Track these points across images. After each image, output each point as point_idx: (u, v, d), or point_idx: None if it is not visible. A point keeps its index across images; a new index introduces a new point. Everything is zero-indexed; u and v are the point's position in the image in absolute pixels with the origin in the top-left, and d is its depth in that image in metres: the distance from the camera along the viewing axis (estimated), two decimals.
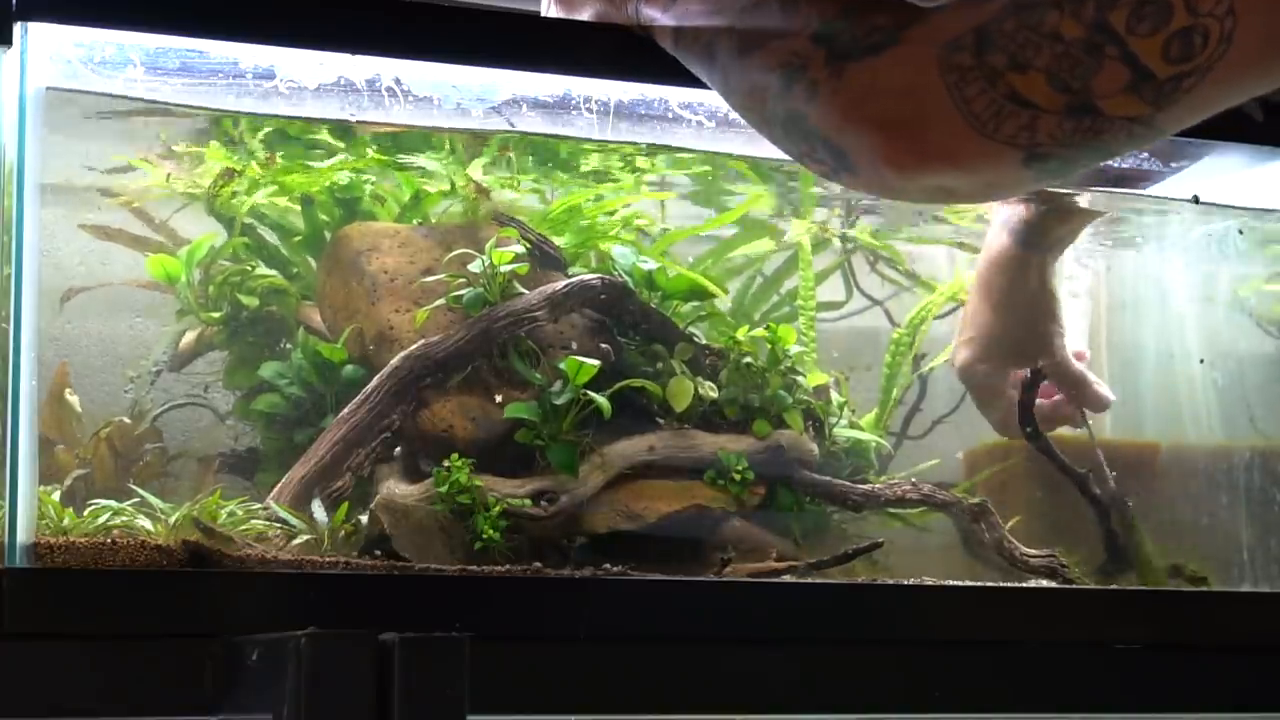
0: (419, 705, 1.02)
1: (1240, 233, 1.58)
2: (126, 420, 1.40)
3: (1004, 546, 1.45)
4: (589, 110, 1.32)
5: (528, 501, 1.33)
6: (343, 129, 1.37)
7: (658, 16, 1.20)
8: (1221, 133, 1.36)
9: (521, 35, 1.26)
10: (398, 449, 1.35)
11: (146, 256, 1.41)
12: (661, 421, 1.40)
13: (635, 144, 1.39)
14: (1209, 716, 1.43)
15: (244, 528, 1.26)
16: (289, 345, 1.43)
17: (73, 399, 1.37)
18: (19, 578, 1.12)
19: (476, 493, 1.30)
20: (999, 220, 1.54)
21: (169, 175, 1.40)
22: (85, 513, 1.24)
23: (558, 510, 1.34)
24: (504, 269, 1.38)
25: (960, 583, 1.39)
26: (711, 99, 1.29)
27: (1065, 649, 1.32)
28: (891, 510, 1.48)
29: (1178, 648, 1.36)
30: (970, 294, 1.55)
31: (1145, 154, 1.42)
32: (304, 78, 1.25)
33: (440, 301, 1.39)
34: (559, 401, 1.35)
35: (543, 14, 1.29)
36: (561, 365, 1.36)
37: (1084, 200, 1.51)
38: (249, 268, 1.43)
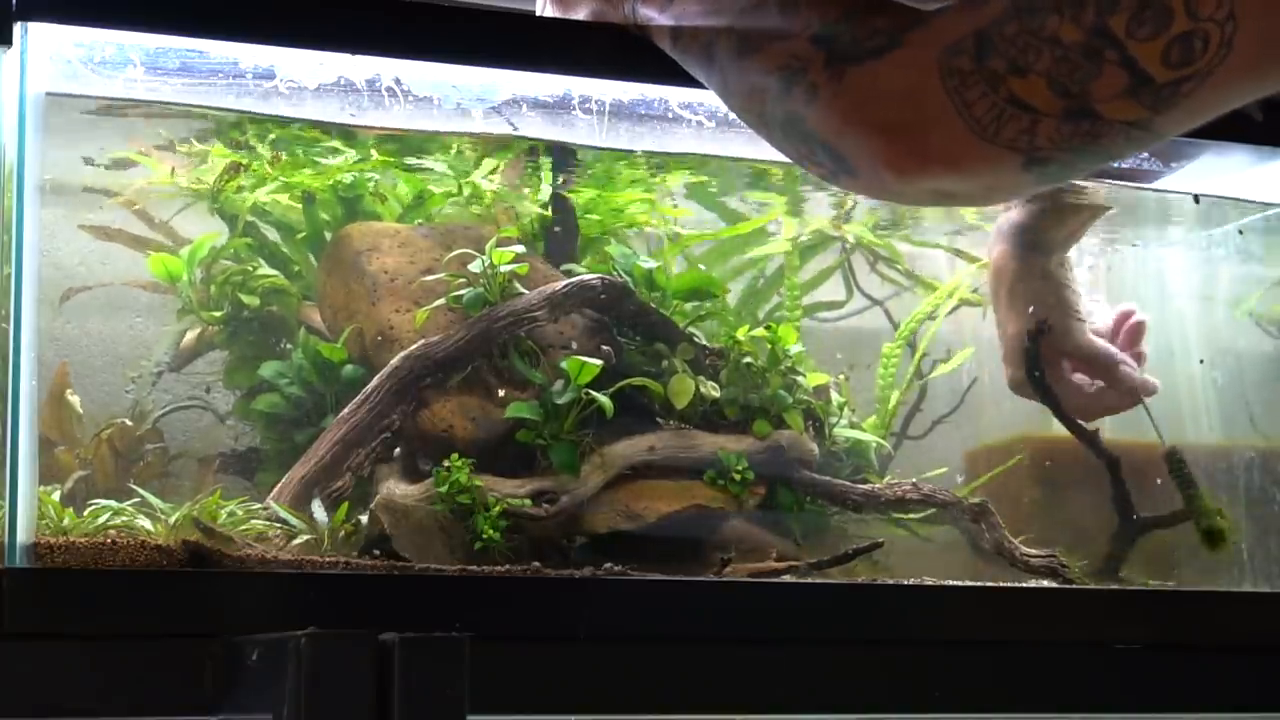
0: (419, 705, 1.02)
1: (1240, 233, 1.58)
2: (128, 421, 1.40)
3: (1004, 546, 1.45)
4: (586, 111, 1.32)
5: (528, 501, 1.33)
6: (344, 132, 1.37)
7: (655, 16, 1.20)
8: (1221, 133, 1.37)
9: (521, 35, 1.26)
10: (398, 449, 1.35)
11: (148, 255, 1.41)
12: (662, 421, 1.40)
13: (632, 151, 1.39)
14: (1209, 716, 1.43)
15: (244, 528, 1.26)
16: (289, 345, 1.43)
17: (73, 399, 1.37)
18: (19, 578, 1.12)
19: (476, 493, 1.31)
20: (997, 230, 1.55)
21: (173, 170, 1.40)
22: (85, 513, 1.24)
23: (558, 510, 1.34)
24: (504, 269, 1.38)
25: (960, 583, 1.39)
26: (711, 99, 1.29)
27: (1065, 649, 1.32)
28: (894, 515, 1.48)
29: (1178, 648, 1.35)
30: (994, 312, 1.55)
31: (1145, 155, 1.42)
32: (304, 78, 1.25)
33: (440, 301, 1.39)
34: (560, 401, 1.35)
35: (538, 13, 1.29)
36: (563, 365, 1.36)
37: (1082, 198, 1.51)
38: (250, 267, 1.44)
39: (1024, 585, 1.42)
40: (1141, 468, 1.53)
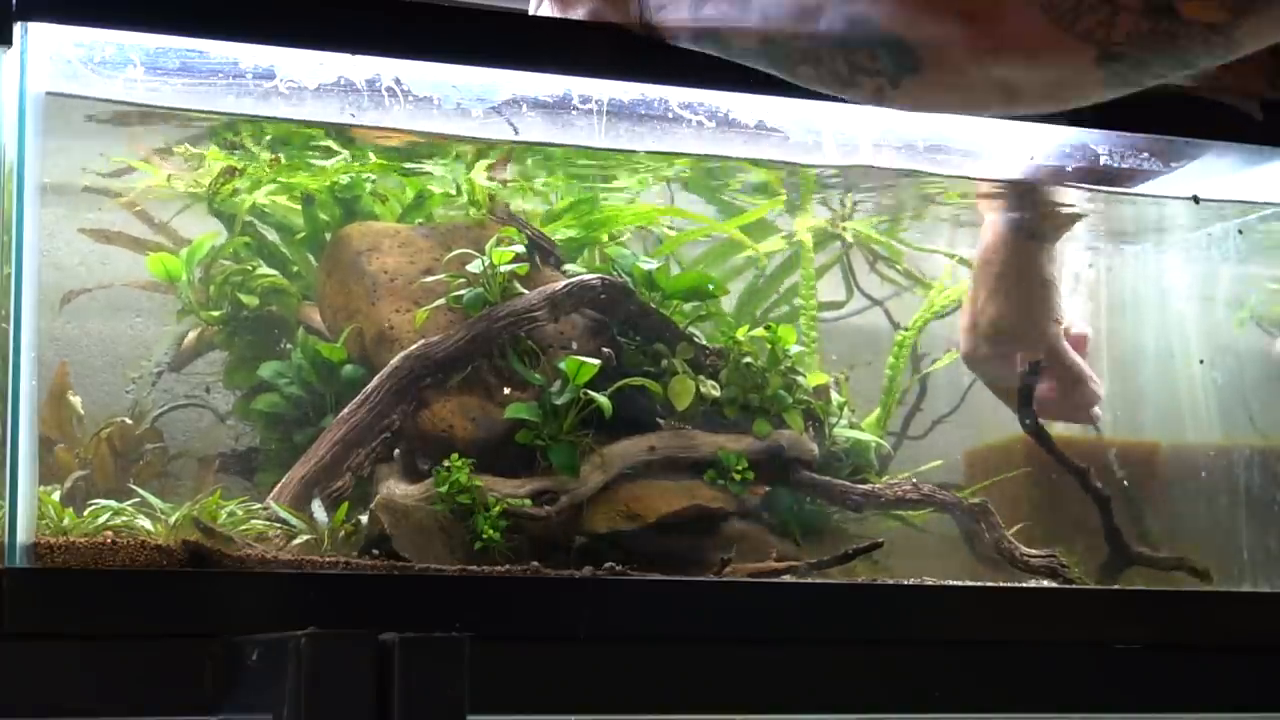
0: (419, 705, 1.02)
1: (1240, 233, 1.58)
2: (127, 421, 1.40)
3: (1004, 546, 1.45)
4: (587, 110, 1.32)
5: (528, 501, 1.33)
6: (343, 134, 1.37)
7: None
8: (1221, 132, 1.37)
9: (521, 35, 1.26)
10: (398, 449, 1.35)
11: (147, 255, 1.41)
12: (662, 421, 1.40)
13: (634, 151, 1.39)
14: (1209, 716, 1.43)
15: (244, 528, 1.26)
16: (289, 345, 1.43)
17: (74, 399, 1.37)
18: (19, 578, 1.12)
19: (476, 493, 1.31)
20: (995, 207, 1.54)
21: (169, 176, 1.40)
22: (85, 513, 1.24)
23: (558, 510, 1.34)
24: (504, 269, 1.38)
25: (960, 583, 1.39)
26: (712, 99, 1.29)
27: (1065, 649, 1.32)
28: (892, 513, 1.48)
29: (1178, 648, 1.36)
30: (971, 280, 1.55)
31: (1145, 153, 1.42)
32: (304, 78, 1.25)
33: (440, 301, 1.39)
34: (559, 402, 1.35)
35: (531, 13, 1.29)
36: (562, 365, 1.36)
37: (1081, 194, 1.51)
38: (250, 267, 1.44)
39: (1024, 585, 1.42)
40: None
